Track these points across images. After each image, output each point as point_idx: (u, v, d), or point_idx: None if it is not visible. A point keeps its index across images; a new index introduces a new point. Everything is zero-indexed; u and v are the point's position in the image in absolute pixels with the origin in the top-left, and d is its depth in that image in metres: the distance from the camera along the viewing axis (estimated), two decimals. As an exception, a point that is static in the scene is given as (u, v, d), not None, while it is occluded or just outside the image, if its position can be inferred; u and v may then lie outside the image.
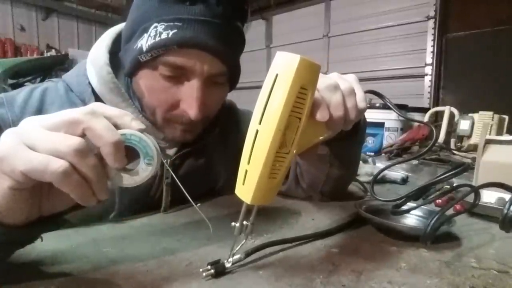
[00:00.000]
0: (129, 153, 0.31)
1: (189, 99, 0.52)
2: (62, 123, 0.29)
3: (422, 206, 0.51)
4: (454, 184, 0.65)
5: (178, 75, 0.52)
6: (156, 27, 0.49)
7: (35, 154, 0.27)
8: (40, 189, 0.31)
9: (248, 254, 0.38)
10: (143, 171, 0.32)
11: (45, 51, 4.62)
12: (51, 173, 0.27)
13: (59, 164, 0.27)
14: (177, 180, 0.36)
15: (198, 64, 0.51)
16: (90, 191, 0.30)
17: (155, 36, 0.49)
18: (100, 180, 0.30)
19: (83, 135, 0.29)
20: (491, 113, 1.66)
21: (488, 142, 0.75)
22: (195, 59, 0.51)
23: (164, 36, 0.49)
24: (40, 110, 0.55)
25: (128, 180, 0.32)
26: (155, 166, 0.32)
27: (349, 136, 0.55)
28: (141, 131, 0.32)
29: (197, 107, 0.52)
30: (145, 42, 0.50)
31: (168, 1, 0.50)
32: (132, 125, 0.31)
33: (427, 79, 3.40)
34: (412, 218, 0.53)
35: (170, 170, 0.43)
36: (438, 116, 2.09)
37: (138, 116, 0.56)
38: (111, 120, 0.31)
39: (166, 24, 0.49)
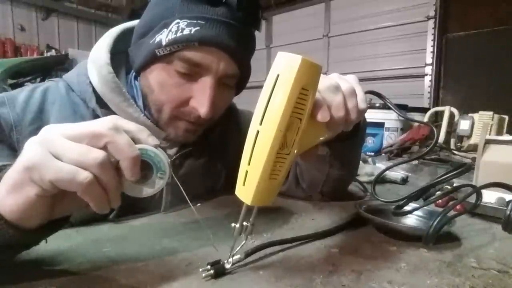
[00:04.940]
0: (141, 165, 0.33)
1: (201, 96, 0.53)
2: (85, 135, 0.30)
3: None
4: (455, 185, 0.65)
5: (192, 73, 0.53)
6: (178, 23, 0.50)
7: (62, 164, 0.29)
8: (56, 195, 0.31)
9: (248, 255, 0.38)
10: (155, 184, 0.34)
11: (45, 51, 4.61)
12: (78, 183, 0.29)
13: (85, 175, 0.29)
14: (177, 180, 0.37)
15: (215, 62, 0.52)
16: (107, 200, 0.31)
17: (176, 31, 0.50)
18: (116, 190, 0.32)
19: (103, 148, 0.30)
20: (491, 113, 1.66)
21: (488, 142, 0.75)
22: (213, 57, 0.52)
23: (186, 32, 0.50)
24: (41, 109, 0.55)
25: (141, 191, 0.34)
26: (166, 180, 0.34)
27: (349, 137, 0.55)
28: (156, 146, 0.34)
29: (209, 104, 0.52)
30: (164, 36, 0.51)
31: (192, 0, 0.51)
32: (149, 141, 0.33)
33: (427, 79, 3.40)
34: (412, 218, 0.53)
35: (170, 170, 0.43)
36: (438, 116, 2.09)
37: (140, 115, 0.56)
38: (130, 135, 0.32)
39: (189, 21, 0.50)
